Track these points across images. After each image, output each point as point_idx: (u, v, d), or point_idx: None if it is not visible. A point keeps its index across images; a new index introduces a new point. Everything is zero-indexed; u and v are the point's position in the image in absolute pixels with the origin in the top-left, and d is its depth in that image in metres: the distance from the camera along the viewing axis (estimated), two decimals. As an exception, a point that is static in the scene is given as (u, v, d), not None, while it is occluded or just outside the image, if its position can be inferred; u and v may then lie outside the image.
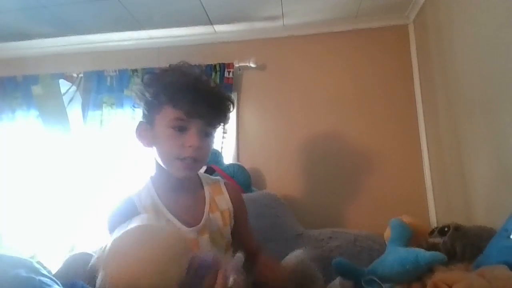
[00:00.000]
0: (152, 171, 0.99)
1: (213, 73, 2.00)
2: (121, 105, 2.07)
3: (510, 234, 0.80)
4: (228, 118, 1.00)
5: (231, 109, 0.99)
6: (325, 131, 1.97)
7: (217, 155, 1.81)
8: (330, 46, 2.04)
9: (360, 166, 1.90)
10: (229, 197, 1.01)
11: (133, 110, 2.04)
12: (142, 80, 0.98)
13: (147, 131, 0.93)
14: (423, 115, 1.87)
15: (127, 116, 2.05)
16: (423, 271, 0.92)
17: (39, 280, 0.56)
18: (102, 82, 2.11)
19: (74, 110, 2.09)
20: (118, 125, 2.06)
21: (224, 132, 1.97)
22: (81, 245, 1.84)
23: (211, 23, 2.01)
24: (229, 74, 2.01)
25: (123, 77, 2.10)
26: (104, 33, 2.12)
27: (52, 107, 2.02)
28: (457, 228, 1.00)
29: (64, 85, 2.06)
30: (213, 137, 0.98)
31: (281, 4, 1.83)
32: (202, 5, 1.83)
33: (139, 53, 2.18)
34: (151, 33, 2.11)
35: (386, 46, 1.98)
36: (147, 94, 0.93)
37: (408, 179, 1.85)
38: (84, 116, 2.08)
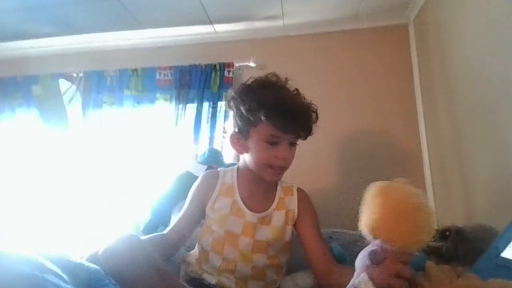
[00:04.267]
0: (240, 163, 1.11)
1: (213, 73, 2.01)
2: (121, 104, 2.07)
3: (501, 252, 0.80)
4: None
5: (316, 121, 1.10)
6: (324, 131, 1.95)
7: (217, 154, 1.80)
8: (330, 46, 2.04)
9: (360, 166, 1.90)
10: (297, 199, 1.09)
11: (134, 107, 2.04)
12: (235, 92, 1.03)
13: (240, 141, 1.02)
14: (423, 114, 1.87)
15: (127, 116, 2.05)
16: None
17: (43, 277, 0.56)
18: (102, 82, 2.11)
19: (74, 110, 2.09)
20: (118, 124, 2.06)
21: (224, 132, 1.97)
22: (78, 245, 1.84)
23: (211, 22, 2.01)
24: (229, 74, 2.01)
25: (123, 77, 2.10)
26: (104, 33, 2.11)
27: (52, 107, 2.02)
28: (458, 232, 1.00)
29: (64, 84, 2.06)
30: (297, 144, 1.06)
31: (281, 4, 1.82)
32: (202, 5, 1.83)
33: (139, 53, 2.18)
34: (151, 32, 2.11)
35: (386, 46, 1.98)
36: (242, 109, 0.98)
37: (408, 179, 1.85)
38: (84, 115, 2.09)
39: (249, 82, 1.03)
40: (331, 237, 1.45)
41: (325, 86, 2.00)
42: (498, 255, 0.81)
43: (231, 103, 1.03)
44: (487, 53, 1.21)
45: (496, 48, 1.15)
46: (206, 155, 1.78)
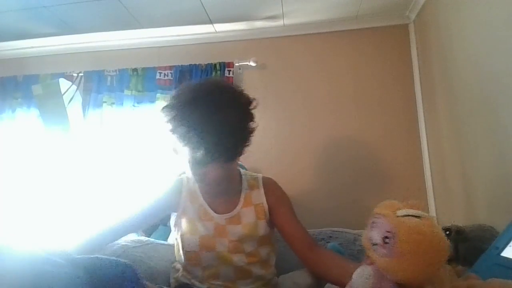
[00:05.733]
0: None
1: (213, 72, 2.01)
2: (121, 104, 2.07)
3: (501, 252, 0.80)
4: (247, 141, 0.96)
5: (251, 131, 0.95)
6: (325, 131, 1.97)
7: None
8: (330, 46, 2.04)
9: (360, 166, 1.90)
10: (264, 191, 1.04)
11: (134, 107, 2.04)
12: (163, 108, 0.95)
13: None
14: (423, 114, 1.87)
15: (128, 116, 2.05)
16: None
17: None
18: (102, 82, 2.11)
19: (74, 110, 2.09)
20: (118, 124, 2.06)
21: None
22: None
23: (211, 22, 2.01)
24: (229, 73, 2.01)
25: (123, 77, 2.10)
26: (104, 32, 2.12)
27: (52, 106, 2.02)
28: (459, 232, 1.00)
29: (64, 84, 2.06)
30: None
31: (281, 3, 1.82)
32: (202, 5, 1.83)
33: (139, 53, 2.18)
34: (151, 32, 2.11)
35: (386, 46, 1.98)
36: (167, 126, 0.92)
37: (408, 179, 1.85)
38: (84, 115, 2.08)
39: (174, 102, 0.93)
40: (330, 237, 1.45)
41: (325, 86, 2.00)
42: (498, 254, 0.81)
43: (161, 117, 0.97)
44: (488, 53, 1.21)
45: (496, 48, 1.15)
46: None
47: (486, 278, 0.71)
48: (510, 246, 0.80)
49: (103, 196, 1.95)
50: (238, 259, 0.98)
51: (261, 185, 1.06)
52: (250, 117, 0.93)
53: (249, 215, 1.01)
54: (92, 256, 0.68)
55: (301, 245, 0.97)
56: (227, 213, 1.01)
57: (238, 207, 1.02)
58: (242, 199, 1.03)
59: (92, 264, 0.65)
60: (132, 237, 1.26)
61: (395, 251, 0.60)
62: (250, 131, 0.93)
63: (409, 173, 1.85)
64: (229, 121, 0.86)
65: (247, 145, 0.94)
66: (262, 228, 1.02)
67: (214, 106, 0.86)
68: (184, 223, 1.03)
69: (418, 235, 0.60)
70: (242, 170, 1.12)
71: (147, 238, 1.34)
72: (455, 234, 1.00)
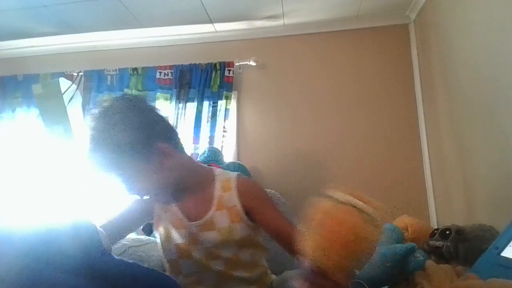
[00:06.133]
0: None
1: (213, 72, 2.01)
2: (121, 104, 2.07)
3: (501, 252, 0.81)
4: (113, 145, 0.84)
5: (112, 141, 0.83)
6: (325, 130, 1.97)
7: (217, 154, 1.81)
8: (330, 45, 2.04)
9: (361, 165, 1.90)
10: (237, 192, 0.97)
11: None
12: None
13: None
14: (423, 114, 1.87)
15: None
16: (409, 267, 0.95)
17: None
18: (102, 81, 2.12)
19: (74, 109, 2.08)
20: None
21: (224, 131, 1.97)
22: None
23: (211, 21, 2.01)
24: (229, 73, 2.01)
25: (123, 76, 2.10)
26: (104, 32, 2.12)
27: (52, 106, 2.01)
28: (459, 231, 1.00)
29: (64, 83, 2.06)
30: (130, 171, 0.86)
31: (282, 3, 1.82)
32: (202, 4, 1.83)
33: (139, 52, 2.18)
34: (151, 31, 2.11)
35: (386, 45, 1.98)
36: None
37: (408, 179, 1.85)
38: (84, 115, 2.08)
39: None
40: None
41: (325, 86, 2.00)
42: (498, 254, 0.81)
43: None
44: (487, 53, 1.21)
45: (496, 48, 1.15)
46: (206, 154, 1.78)
47: (486, 278, 0.71)
48: (510, 246, 0.81)
49: (103, 196, 1.95)
50: (217, 265, 0.94)
51: (235, 186, 0.98)
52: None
53: (223, 219, 0.95)
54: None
55: (287, 241, 0.87)
56: (199, 219, 0.95)
57: (211, 212, 0.95)
58: (215, 202, 0.96)
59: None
60: (132, 236, 1.27)
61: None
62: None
63: (409, 173, 1.86)
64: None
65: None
66: (239, 231, 0.95)
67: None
68: (161, 230, 1.00)
69: (323, 215, 0.61)
70: (218, 170, 1.05)
71: (147, 237, 1.34)
72: (455, 234, 1.00)
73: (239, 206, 0.96)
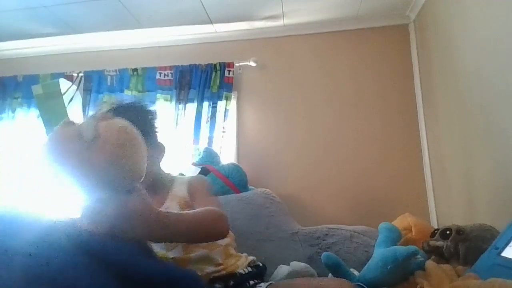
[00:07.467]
0: None
1: (213, 73, 2.01)
2: (121, 104, 2.07)
3: (501, 252, 0.80)
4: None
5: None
6: (324, 130, 1.97)
7: (212, 155, 1.79)
8: (330, 45, 2.04)
9: (360, 165, 1.90)
10: (188, 185, 1.08)
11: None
12: None
13: None
14: (423, 114, 1.87)
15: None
16: (409, 269, 0.95)
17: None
18: (102, 82, 2.12)
19: (74, 110, 2.09)
20: (118, 124, 2.06)
21: (223, 132, 1.97)
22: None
23: (211, 22, 2.01)
24: (229, 74, 2.01)
25: (123, 77, 2.10)
26: (104, 32, 2.12)
27: (52, 106, 2.01)
28: (459, 231, 1.00)
29: (64, 84, 2.06)
30: None
31: (282, 3, 1.83)
32: (202, 4, 1.83)
33: (139, 53, 2.18)
34: (151, 32, 2.11)
35: (386, 46, 1.98)
36: None
37: (408, 179, 1.85)
38: (84, 115, 2.08)
39: None
40: (327, 234, 1.45)
41: (325, 86, 2.00)
42: (498, 254, 0.81)
43: None
44: (487, 53, 1.21)
45: (496, 48, 1.15)
46: (201, 156, 1.78)
47: (486, 278, 0.71)
48: (510, 246, 0.80)
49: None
50: (177, 253, 0.98)
51: (187, 181, 1.09)
52: None
53: (173, 208, 1.03)
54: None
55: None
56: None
57: (164, 206, 1.03)
58: (169, 197, 1.06)
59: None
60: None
61: None
62: None
63: (409, 172, 1.86)
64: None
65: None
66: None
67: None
68: None
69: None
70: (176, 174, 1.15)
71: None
72: (455, 234, 1.00)
73: (186, 196, 1.06)
